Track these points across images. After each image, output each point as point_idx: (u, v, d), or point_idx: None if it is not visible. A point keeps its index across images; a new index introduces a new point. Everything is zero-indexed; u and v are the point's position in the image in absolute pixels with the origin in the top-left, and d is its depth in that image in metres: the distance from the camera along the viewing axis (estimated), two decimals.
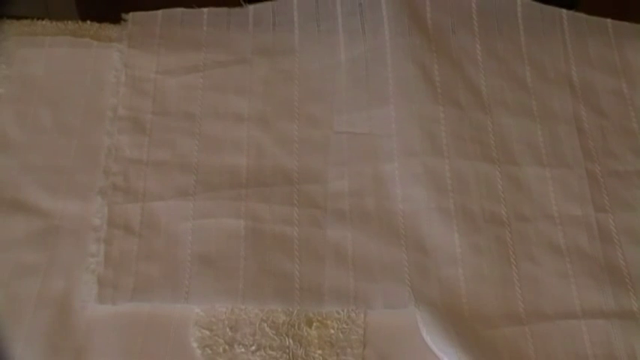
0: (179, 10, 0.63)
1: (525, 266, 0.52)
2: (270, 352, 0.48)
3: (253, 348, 0.49)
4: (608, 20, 0.65)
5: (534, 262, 0.53)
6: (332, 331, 0.50)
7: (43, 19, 0.63)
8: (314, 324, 0.50)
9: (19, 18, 0.63)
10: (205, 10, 0.63)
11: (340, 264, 0.52)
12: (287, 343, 0.49)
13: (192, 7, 0.63)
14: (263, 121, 0.59)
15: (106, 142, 0.57)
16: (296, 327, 0.50)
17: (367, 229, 0.54)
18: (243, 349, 0.49)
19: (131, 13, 0.63)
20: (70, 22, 0.63)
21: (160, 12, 0.63)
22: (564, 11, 0.64)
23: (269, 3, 0.63)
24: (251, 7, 0.63)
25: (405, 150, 0.56)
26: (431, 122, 0.58)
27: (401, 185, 0.55)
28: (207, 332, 0.49)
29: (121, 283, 0.50)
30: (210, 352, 0.48)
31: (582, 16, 0.64)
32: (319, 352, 0.49)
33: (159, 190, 0.55)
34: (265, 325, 0.50)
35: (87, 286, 0.50)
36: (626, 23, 0.65)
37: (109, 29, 0.63)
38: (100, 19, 0.63)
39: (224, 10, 0.63)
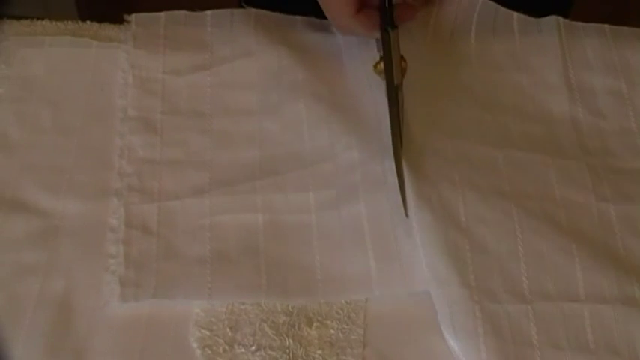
0: (182, 12, 0.63)
1: (530, 240, 0.52)
2: (270, 352, 0.49)
3: (253, 348, 0.49)
4: (606, 25, 0.65)
5: (540, 236, 0.52)
6: (332, 331, 0.50)
7: (43, 19, 0.63)
8: (314, 324, 0.50)
9: (19, 18, 0.62)
10: (208, 12, 0.63)
11: (358, 246, 0.52)
12: (287, 343, 0.49)
13: (192, 8, 0.63)
14: (272, 110, 0.59)
15: (118, 143, 0.57)
16: (296, 327, 0.50)
17: (379, 199, 0.53)
18: (243, 349, 0.49)
19: (133, 15, 0.63)
20: (70, 22, 0.63)
21: (162, 14, 0.63)
22: (560, 18, 0.64)
23: (271, 14, 0.64)
24: (253, 11, 0.64)
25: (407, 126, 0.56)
26: (430, 108, 0.58)
27: (405, 155, 0.54)
28: (207, 332, 0.49)
29: (142, 283, 0.50)
30: (210, 352, 0.48)
31: (579, 23, 0.65)
32: (319, 352, 0.49)
33: (174, 189, 0.55)
34: (265, 325, 0.50)
35: (109, 286, 0.50)
36: (624, 27, 0.65)
37: (109, 29, 0.63)
38: (100, 19, 0.63)
39: (227, 11, 0.64)
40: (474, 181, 0.54)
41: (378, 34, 0.56)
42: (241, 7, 0.64)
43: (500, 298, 0.50)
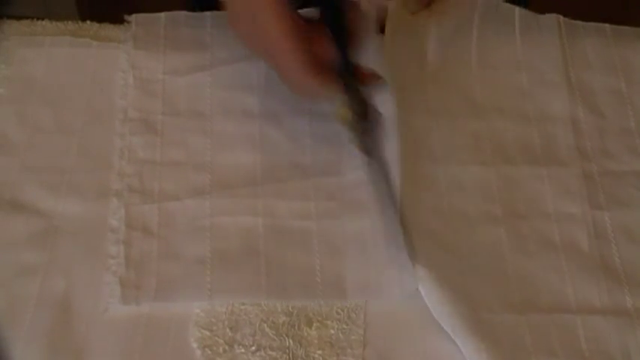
0: (182, 13, 0.63)
1: (520, 261, 0.53)
2: (270, 353, 0.49)
3: (253, 348, 0.49)
4: (607, 25, 0.65)
5: (529, 257, 0.53)
6: (332, 332, 0.50)
7: (43, 19, 0.63)
8: (314, 324, 0.50)
9: (19, 18, 0.62)
10: (208, 13, 0.63)
11: (359, 254, 0.52)
12: (287, 343, 0.49)
13: (192, 8, 0.64)
14: (273, 117, 0.59)
15: (118, 144, 0.57)
16: (296, 327, 0.50)
17: (385, 215, 0.53)
18: (243, 350, 0.49)
19: (134, 15, 0.63)
20: (70, 22, 0.63)
21: (162, 14, 0.63)
22: (561, 17, 0.64)
23: None
24: None
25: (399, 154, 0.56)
26: (422, 131, 0.58)
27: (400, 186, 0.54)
28: (207, 332, 0.49)
29: (143, 284, 0.50)
30: (210, 352, 0.49)
31: (579, 22, 0.65)
32: (319, 352, 0.49)
33: (174, 190, 0.55)
34: (265, 325, 0.50)
35: (110, 287, 0.50)
36: (624, 27, 0.65)
37: (109, 29, 0.63)
38: (100, 19, 0.63)
39: (226, 13, 0.63)
40: (464, 209, 0.55)
41: (338, 94, 0.54)
42: None
43: (494, 309, 0.50)
